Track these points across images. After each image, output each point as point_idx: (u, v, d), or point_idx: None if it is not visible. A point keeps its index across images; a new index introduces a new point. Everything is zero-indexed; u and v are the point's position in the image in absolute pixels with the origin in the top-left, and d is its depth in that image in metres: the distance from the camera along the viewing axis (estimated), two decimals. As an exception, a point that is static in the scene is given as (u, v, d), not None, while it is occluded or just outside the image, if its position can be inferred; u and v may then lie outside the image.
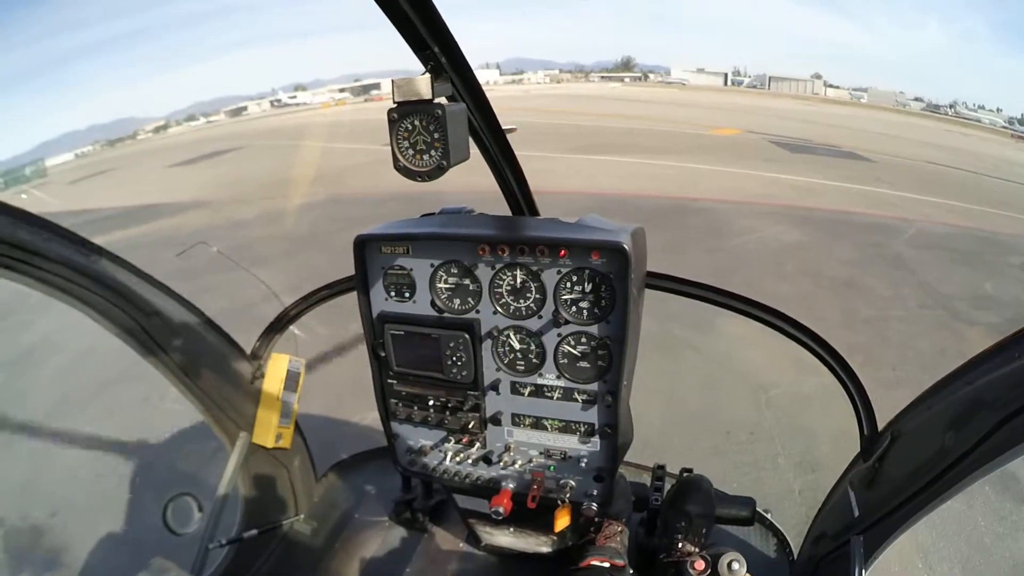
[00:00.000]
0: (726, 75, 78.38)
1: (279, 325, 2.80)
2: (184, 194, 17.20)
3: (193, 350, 2.52)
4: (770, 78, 73.90)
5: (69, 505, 4.56)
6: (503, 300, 1.94)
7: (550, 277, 1.86)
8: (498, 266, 1.90)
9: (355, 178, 16.92)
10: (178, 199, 16.41)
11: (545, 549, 2.53)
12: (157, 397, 5.49)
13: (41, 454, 5.54)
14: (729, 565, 1.82)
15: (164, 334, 2.39)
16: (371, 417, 2.35)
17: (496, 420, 2.11)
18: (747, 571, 1.83)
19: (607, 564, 2.05)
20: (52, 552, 4.32)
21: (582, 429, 2.03)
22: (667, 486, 2.47)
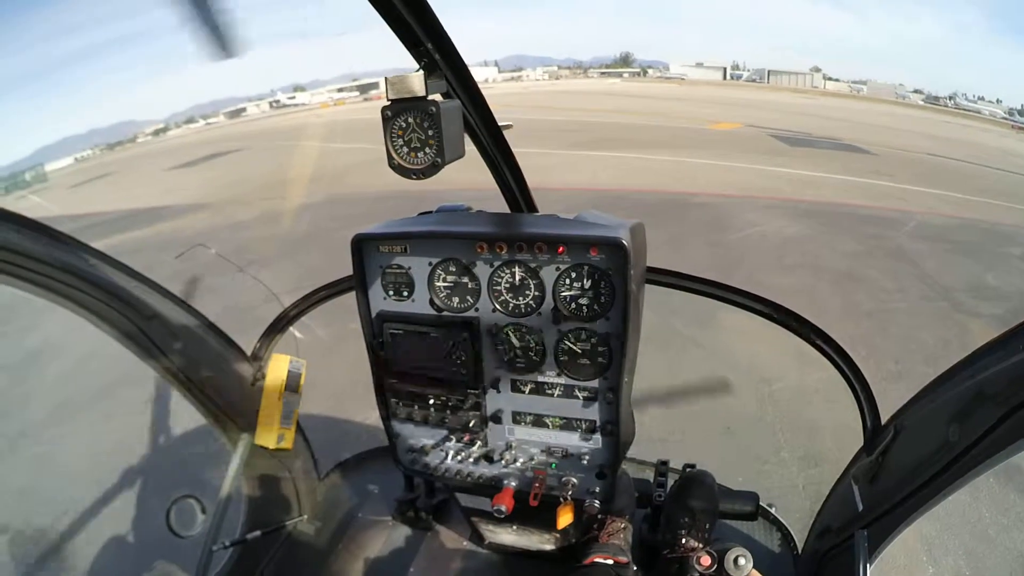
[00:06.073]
0: (725, 69, 78.49)
1: (279, 326, 2.80)
2: (184, 196, 17.21)
3: (193, 353, 2.51)
4: (769, 72, 73.99)
5: (73, 509, 4.56)
6: (502, 298, 1.93)
7: (549, 274, 1.85)
8: (496, 263, 1.89)
9: (354, 177, 16.91)
10: (178, 202, 16.41)
11: (548, 547, 2.53)
12: (159, 400, 5.49)
13: (44, 458, 5.55)
14: (735, 560, 1.81)
15: (164, 337, 2.39)
16: (373, 417, 2.34)
17: (497, 418, 2.10)
18: (752, 566, 1.82)
19: (611, 561, 2.05)
20: (56, 556, 4.32)
21: (583, 426, 2.02)
22: (670, 482, 2.46)
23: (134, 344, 2.30)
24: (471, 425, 2.11)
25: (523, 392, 2.05)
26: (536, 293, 1.89)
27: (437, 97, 1.38)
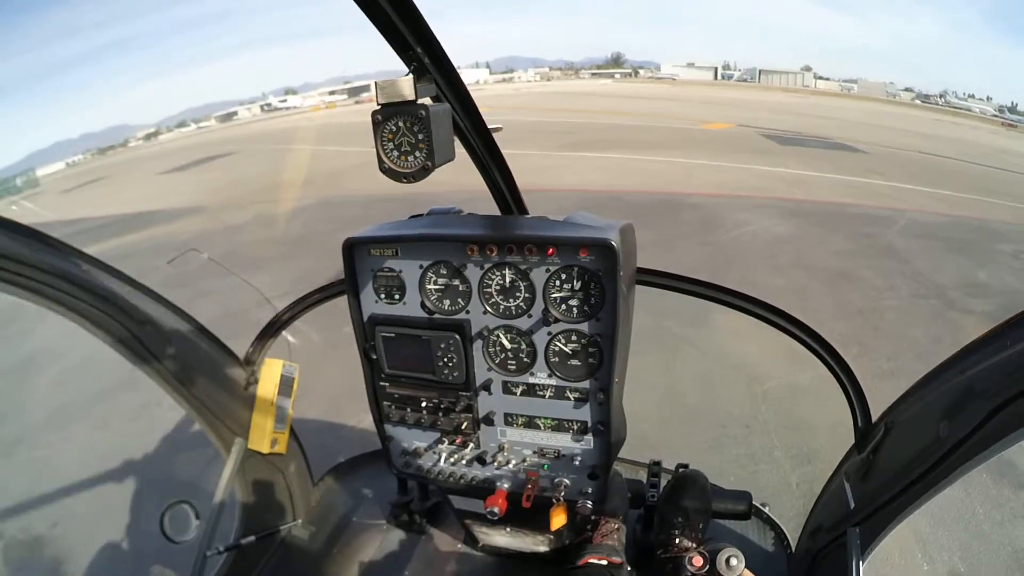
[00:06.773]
0: (716, 69, 78.62)
1: (272, 330, 2.79)
2: (177, 200, 17.12)
3: (186, 357, 2.51)
4: (760, 71, 74.18)
5: (67, 515, 4.53)
6: (492, 300, 1.93)
7: (539, 276, 1.86)
8: (487, 266, 1.89)
9: (347, 180, 16.87)
10: (171, 206, 16.32)
11: (542, 548, 2.53)
12: (152, 406, 5.47)
13: (39, 464, 5.52)
14: (727, 561, 1.82)
15: (157, 342, 2.38)
16: (366, 420, 2.34)
17: (489, 420, 2.11)
18: (745, 566, 1.83)
19: (604, 562, 2.05)
20: (52, 562, 4.30)
21: (575, 427, 2.03)
22: (663, 482, 2.47)
23: (127, 349, 2.30)
24: (463, 427, 2.11)
25: (515, 394, 2.05)
26: (526, 295, 1.89)
27: (427, 100, 1.38)
